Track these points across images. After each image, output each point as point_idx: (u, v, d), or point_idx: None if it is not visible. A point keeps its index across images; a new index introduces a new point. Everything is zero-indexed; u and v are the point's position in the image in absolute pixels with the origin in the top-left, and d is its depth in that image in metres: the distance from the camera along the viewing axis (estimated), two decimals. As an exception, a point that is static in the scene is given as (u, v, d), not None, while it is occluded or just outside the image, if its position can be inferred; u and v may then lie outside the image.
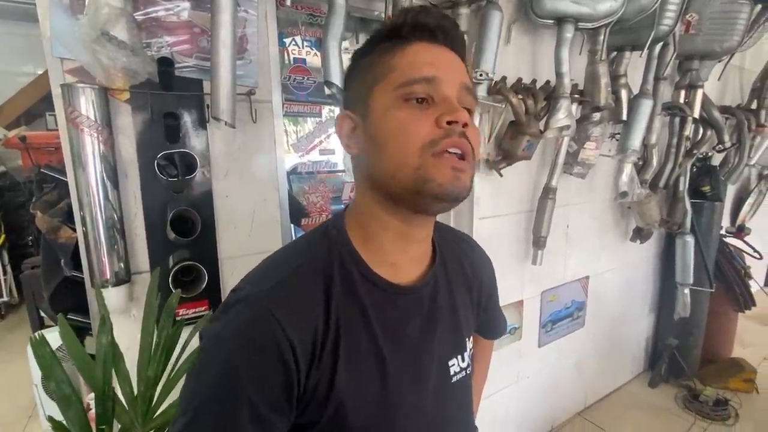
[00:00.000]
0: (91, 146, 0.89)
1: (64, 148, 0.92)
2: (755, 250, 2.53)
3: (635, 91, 1.76)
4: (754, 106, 2.55)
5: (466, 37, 1.28)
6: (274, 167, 1.18)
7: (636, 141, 1.69)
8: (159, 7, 0.98)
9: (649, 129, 1.84)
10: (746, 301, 2.46)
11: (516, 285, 1.77)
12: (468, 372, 0.59)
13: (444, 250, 0.59)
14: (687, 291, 2.32)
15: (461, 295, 0.60)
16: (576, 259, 2.00)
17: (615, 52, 1.68)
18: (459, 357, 0.57)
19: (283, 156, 1.19)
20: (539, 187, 1.70)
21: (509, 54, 1.51)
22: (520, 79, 1.46)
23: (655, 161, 1.93)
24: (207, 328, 0.47)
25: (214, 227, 1.10)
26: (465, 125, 0.44)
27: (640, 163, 1.97)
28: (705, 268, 2.31)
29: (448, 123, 0.43)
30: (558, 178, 1.65)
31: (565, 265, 1.96)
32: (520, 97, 1.41)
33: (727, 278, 2.44)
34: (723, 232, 2.55)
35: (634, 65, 1.74)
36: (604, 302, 2.26)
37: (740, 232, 2.55)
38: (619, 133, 1.77)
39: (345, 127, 0.50)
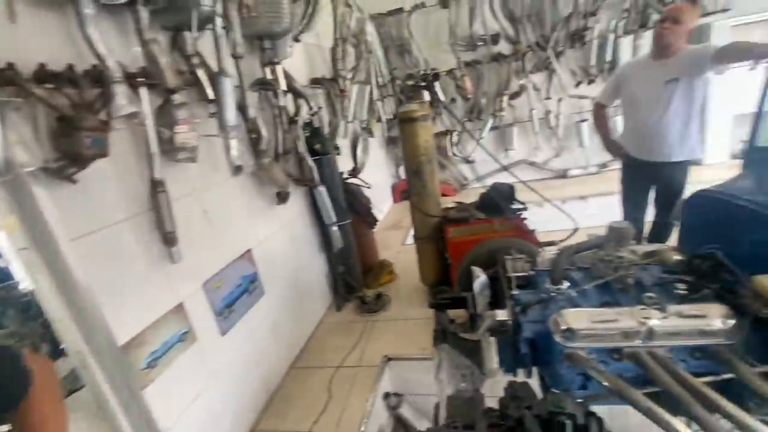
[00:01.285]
0: None
1: None
2: (365, 183, 3.45)
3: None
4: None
5: None
6: None
7: (230, 117, 1.79)
8: None
9: (244, 104, 2.00)
10: (372, 220, 3.36)
11: (164, 292, 1.62)
12: None
13: None
14: (335, 228, 2.90)
15: None
16: (230, 238, 2.05)
17: (176, 32, 1.66)
18: None
19: None
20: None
21: (23, 35, 1.19)
22: (42, 65, 1.18)
23: (264, 132, 2.16)
24: None
25: None
26: None
27: (254, 136, 2.16)
28: (339, 206, 2.94)
29: None
30: (161, 169, 1.54)
31: (219, 249, 1.97)
32: (52, 86, 1.15)
33: (356, 208, 3.22)
34: (345, 176, 3.31)
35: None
36: (278, 263, 2.49)
37: (353, 173, 3.40)
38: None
39: None
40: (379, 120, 4.65)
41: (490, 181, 3.97)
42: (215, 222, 1.94)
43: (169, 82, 1.47)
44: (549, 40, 4.54)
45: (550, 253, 1.59)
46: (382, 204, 5.20)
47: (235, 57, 1.94)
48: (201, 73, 1.70)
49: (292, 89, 2.41)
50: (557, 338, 1.23)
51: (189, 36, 1.65)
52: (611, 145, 2.61)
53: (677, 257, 1.41)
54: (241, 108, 2.03)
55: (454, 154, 5.45)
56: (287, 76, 2.38)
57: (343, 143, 3.82)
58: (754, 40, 4.22)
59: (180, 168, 1.72)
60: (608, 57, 4.47)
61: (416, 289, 3.18)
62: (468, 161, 5.45)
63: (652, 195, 2.50)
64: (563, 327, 1.22)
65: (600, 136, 2.71)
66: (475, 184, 5.44)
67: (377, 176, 4.99)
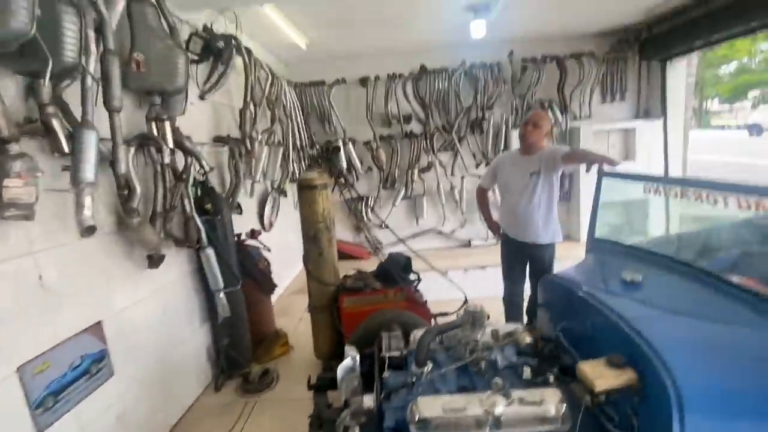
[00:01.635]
0: None
1: None
2: (264, 245, 3.30)
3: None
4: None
5: None
6: None
7: (88, 174, 1.61)
8: None
9: (116, 159, 1.84)
10: (269, 286, 3.17)
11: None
12: None
13: None
14: (222, 294, 2.66)
15: None
16: (71, 309, 1.74)
17: (33, 79, 1.51)
18: None
19: None
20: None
21: None
22: None
23: (138, 189, 1.98)
24: None
25: None
26: None
27: (126, 192, 1.96)
28: (230, 270, 2.73)
29: None
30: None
31: (51, 323, 1.64)
32: None
33: (251, 273, 3.03)
34: (243, 237, 3.14)
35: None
36: (141, 336, 2.16)
37: (253, 235, 3.25)
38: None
39: None
40: (293, 181, 4.64)
41: (402, 247, 4.12)
42: (53, 289, 1.64)
43: (2, 131, 1.29)
44: (453, 125, 5.10)
45: (418, 332, 1.59)
46: (293, 266, 4.98)
47: (110, 110, 1.81)
48: (56, 124, 1.54)
49: (180, 146, 2.29)
50: (413, 429, 1.18)
51: (45, 84, 1.51)
52: (491, 225, 2.88)
53: (528, 339, 1.49)
54: (112, 163, 1.85)
55: (369, 219, 5.58)
56: (177, 132, 2.28)
57: (250, 202, 3.69)
58: (610, 142, 5.25)
59: (12, 226, 1.47)
60: (502, 145, 5.14)
61: (311, 363, 2.97)
62: (382, 227, 5.60)
63: (528, 269, 2.75)
64: (417, 417, 1.18)
65: (483, 216, 2.98)
66: (390, 248, 5.55)
67: (290, 237, 4.83)
